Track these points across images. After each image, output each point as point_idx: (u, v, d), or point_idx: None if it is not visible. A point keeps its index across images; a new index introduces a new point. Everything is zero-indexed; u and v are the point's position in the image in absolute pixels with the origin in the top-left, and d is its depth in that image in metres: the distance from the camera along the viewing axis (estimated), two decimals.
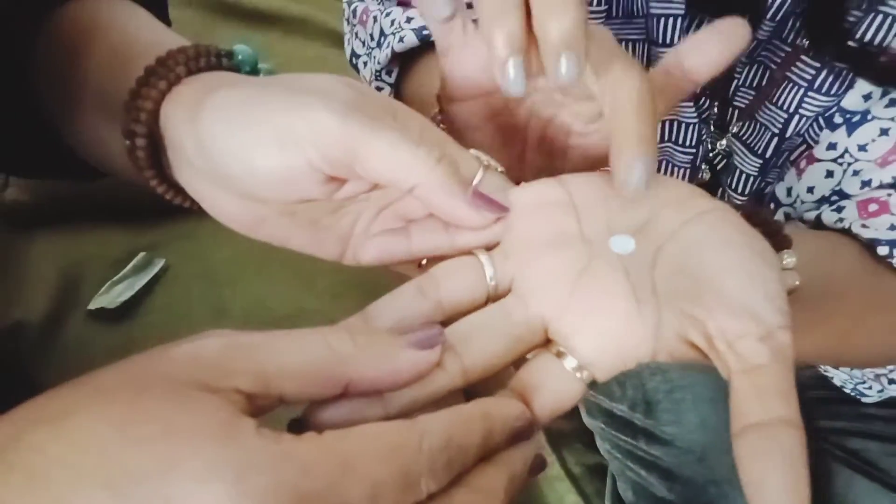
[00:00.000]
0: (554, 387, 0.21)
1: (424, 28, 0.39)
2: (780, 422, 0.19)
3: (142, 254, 0.53)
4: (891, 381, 0.44)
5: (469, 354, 0.21)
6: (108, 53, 0.29)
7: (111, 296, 0.50)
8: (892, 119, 0.36)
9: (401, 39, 0.39)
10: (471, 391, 0.22)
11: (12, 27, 0.31)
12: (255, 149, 0.23)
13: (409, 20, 0.40)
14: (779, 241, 0.25)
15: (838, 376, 0.47)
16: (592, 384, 0.22)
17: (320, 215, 0.25)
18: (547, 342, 0.22)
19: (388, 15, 0.42)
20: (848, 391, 0.47)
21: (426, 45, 0.39)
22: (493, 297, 0.23)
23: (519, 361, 0.23)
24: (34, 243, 0.52)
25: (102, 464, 0.15)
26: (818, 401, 0.51)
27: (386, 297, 0.23)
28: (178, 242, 0.54)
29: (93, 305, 0.50)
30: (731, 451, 0.20)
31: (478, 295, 0.23)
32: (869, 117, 0.36)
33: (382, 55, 0.41)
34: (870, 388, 0.46)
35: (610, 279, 0.22)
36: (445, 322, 0.22)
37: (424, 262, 0.26)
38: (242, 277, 0.50)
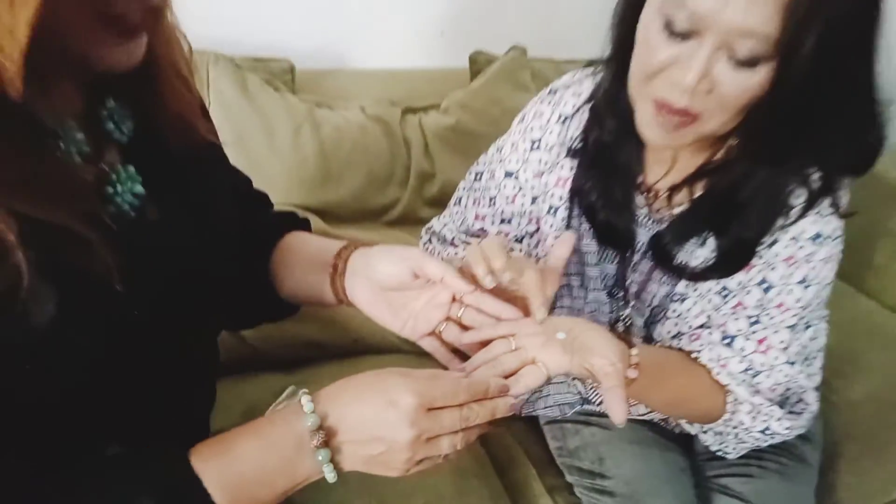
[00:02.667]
0: (534, 375, 0.55)
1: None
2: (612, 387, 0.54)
3: (291, 387, 0.88)
4: (740, 442, 0.77)
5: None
6: (315, 248, 0.66)
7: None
8: (699, 296, 0.72)
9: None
10: None
11: (266, 245, 0.68)
12: (391, 263, 0.58)
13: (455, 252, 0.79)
14: (629, 343, 0.60)
15: (713, 444, 0.80)
16: (548, 379, 0.56)
17: (397, 303, 0.60)
18: (533, 362, 0.57)
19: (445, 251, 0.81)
20: (714, 451, 0.80)
21: None
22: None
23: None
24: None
25: (365, 388, 0.49)
26: (707, 458, 0.84)
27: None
28: (313, 384, 0.89)
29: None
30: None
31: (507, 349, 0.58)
32: (689, 295, 0.73)
33: None
34: (733, 449, 0.79)
35: (556, 345, 0.57)
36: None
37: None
38: None
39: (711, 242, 0.69)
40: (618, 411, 0.53)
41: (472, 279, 0.59)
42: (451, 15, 1.35)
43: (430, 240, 0.90)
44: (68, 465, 0.47)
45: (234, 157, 0.87)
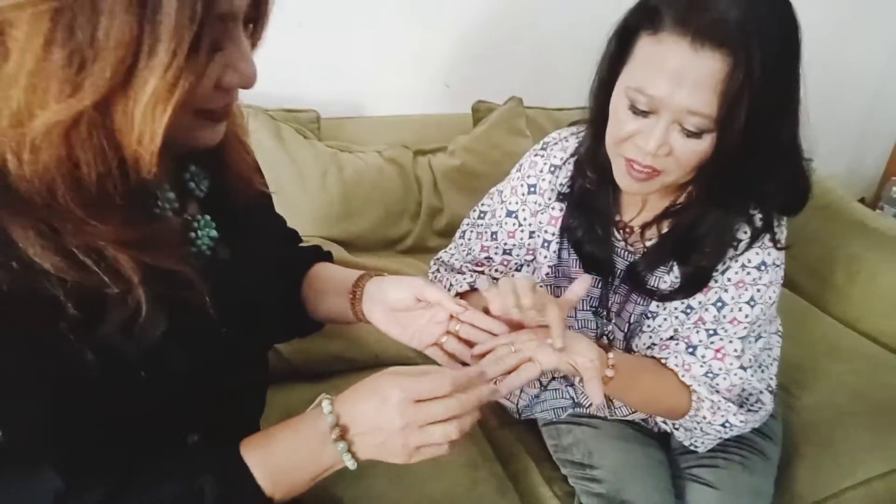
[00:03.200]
0: (530, 369, 0.69)
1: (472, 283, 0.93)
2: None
3: (322, 395, 1.02)
4: (705, 435, 0.91)
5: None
6: (339, 277, 0.80)
7: None
8: (668, 313, 0.86)
9: (452, 286, 0.93)
10: None
11: (298, 274, 0.83)
12: (399, 290, 0.72)
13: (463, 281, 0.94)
14: (606, 349, 0.75)
15: (685, 439, 0.94)
16: (541, 373, 0.70)
17: (405, 321, 0.74)
18: (530, 360, 0.70)
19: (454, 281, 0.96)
20: (686, 445, 0.94)
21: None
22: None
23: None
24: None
25: (366, 389, 0.58)
26: (681, 452, 0.98)
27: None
28: (338, 392, 1.03)
29: None
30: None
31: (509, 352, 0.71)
32: (660, 313, 0.87)
33: (452, 292, 0.94)
34: (701, 443, 0.93)
35: (548, 348, 0.70)
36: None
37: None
38: None
39: (676, 270, 0.84)
40: (595, 396, 0.68)
41: (486, 308, 0.72)
42: (455, 68, 1.52)
43: (438, 269, 1.04)
44: (156, 449, 0.58)
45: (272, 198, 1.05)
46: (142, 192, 0.52)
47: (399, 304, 0.73)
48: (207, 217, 0.62)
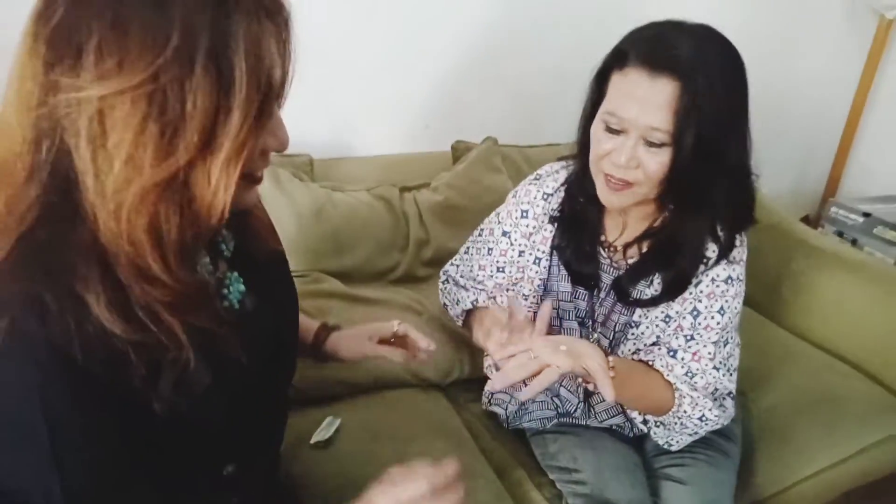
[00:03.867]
0: (551, 373, 0.81)
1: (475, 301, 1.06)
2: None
3: (329, 417, 1.11)
4: (683, 428, 1.01)
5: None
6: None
7: (319, 436, 1.08)
8: (650, 322, 0.98)
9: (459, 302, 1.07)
10: None
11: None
12: (348, 351, 0.91)
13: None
14: (606, 353, 0.87)
15: (661, 438, 1.05)
16: (560, 376, 0.82)
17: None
18: (548, 365, 0.81)
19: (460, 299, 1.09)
20: (661, 444, 1.06)
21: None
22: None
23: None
24: None
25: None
26: (655, 454, 1.10)
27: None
28: (345, 414, 1.13)
29: (312, 440, 1.07)
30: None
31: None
32: (643, 322, 0.99)
33: (459, 308, 1.08)
34: (677, 442, 1.05)
35: (561, 353, 0.82)
36: None
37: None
38: (382, 430, 1.10)
39: (656, 283, 0.97)
40: (608, 392, 0.80)
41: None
42: (434, 110, 1.65)
43: (447, 280, 1.18)
44: (195, 479, 0.65)
45: None
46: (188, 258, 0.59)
47: (352, 357, 0.93)
48: (235, 274, 0.69)
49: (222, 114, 0.50)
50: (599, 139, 0.86)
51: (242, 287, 0.70)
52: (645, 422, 1.04)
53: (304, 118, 1.50)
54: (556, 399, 1.10)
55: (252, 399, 0.68)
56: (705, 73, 0.79)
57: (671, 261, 0.94)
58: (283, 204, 1.32)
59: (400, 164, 1.57)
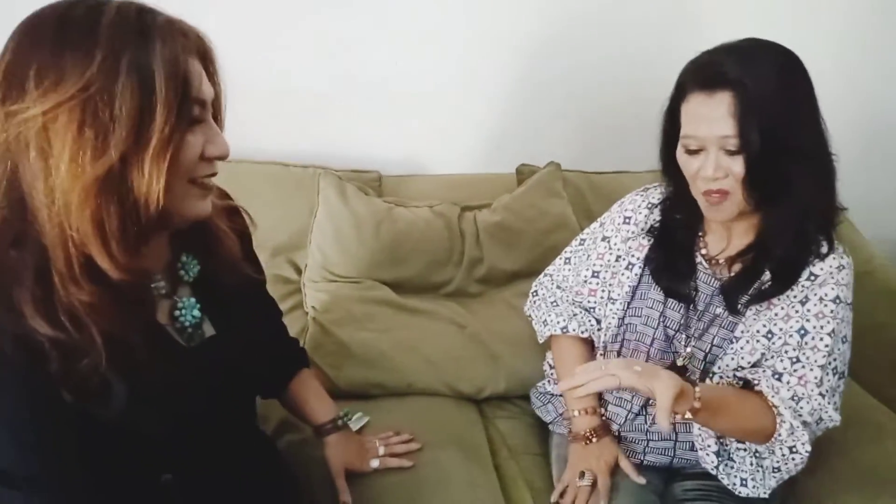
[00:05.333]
0: (610, 379, 0.86)
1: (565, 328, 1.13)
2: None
3: (359, 413, 1.21)
4: (771, 455, 0.97)
5: None
6: (310, 400, 1.05)
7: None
8: (750, 336, 0.97)
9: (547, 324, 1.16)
10: None
11: (284, 380, 1.05)
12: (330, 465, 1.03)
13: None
14: (693, 384, 0.88)
15: (726, 476, 1.01)
16: (618, 387, 0.85)
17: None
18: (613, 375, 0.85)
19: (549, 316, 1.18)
20: (709, 468, 1.02)
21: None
22: None
23: None
24: None
25: None
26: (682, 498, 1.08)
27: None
28: (375, 413, 1.22)
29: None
30: None
31: None
32: (742, 336, 0.98)
33: (547, 332, 1.16)
34: (752, 485, 1.00)
35: (632, 370, 0.85)
36: None
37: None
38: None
39: (766, 284, 0.96)
40: (662, 422, 0.81)
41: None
42: (506, 133, 1.71)
43: (536, 292, 1.26)
44: (132, 485, 0.70)
45: (334, 246, 1.34)
46: (140, 274, 0.67)
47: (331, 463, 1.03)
48: (192, 300, 0.77)
49: (147, 114, 0.59)
50: (685, 163, 0.95)
51: (198, 313, 0.76)
52: (718, 454, 1.01)
53: (375, 137, 1.65)
54: (603, 410, 1.12)
55: (188, 417, 0.74)
56: (753, 78, 0.86)
57: (774, 253, 0.96)
58: (345, 215, 1.45)
59: (466, 183, 1.65)
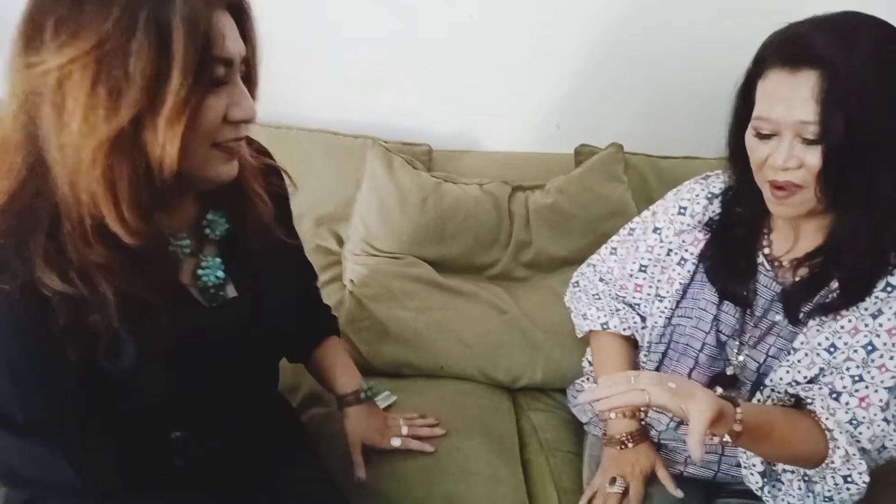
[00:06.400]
0: (639, 395, 0.75)
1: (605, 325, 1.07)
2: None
3: (386, 392, 1.18)
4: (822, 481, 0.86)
5: None
6: (336, 368, 1.03)
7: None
8: (810, 349, 0.86)
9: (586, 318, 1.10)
10: None
11: (310, 345, 1.02)
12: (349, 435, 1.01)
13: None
14: (734, 403, 0.79)
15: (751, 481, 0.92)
16: (647, 404, 0.75)
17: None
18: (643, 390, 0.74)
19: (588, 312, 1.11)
20: (754, 489, 0.92)
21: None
22: None
23: None
24: None
25: None
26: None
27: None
28: (402, 394, 1.19)
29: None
30: None
31: None
32: (801, 348, 0.87)
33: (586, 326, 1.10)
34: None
35: (665, 387, 0.74)
36: None
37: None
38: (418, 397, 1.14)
39: (833, 294, 0.85)
40: (695, 449, 0.71)
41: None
42: (567, 111, 1.61)
43: (577, 282, 1.18)
44: (143, 439, 0.71)
45: (377, 219, 1.33)
46: (157, 236, 0.65)
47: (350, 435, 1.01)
48: (218, 260, 0.75)
49: (162, 74, 0.57)
50: (754, 148, 0.84)
51: (221, 273, 0.74)
52: (764, 474, 0.91)
53: (430, 110, 1.59)
54: (642, 414, 1.04)
55: (201, 378, 0.73)
56: (845, 56, 0.75)
57: (845, 262, 0.84)
58: (390, 188, 1.41)
59: (521, 162, 1.57)
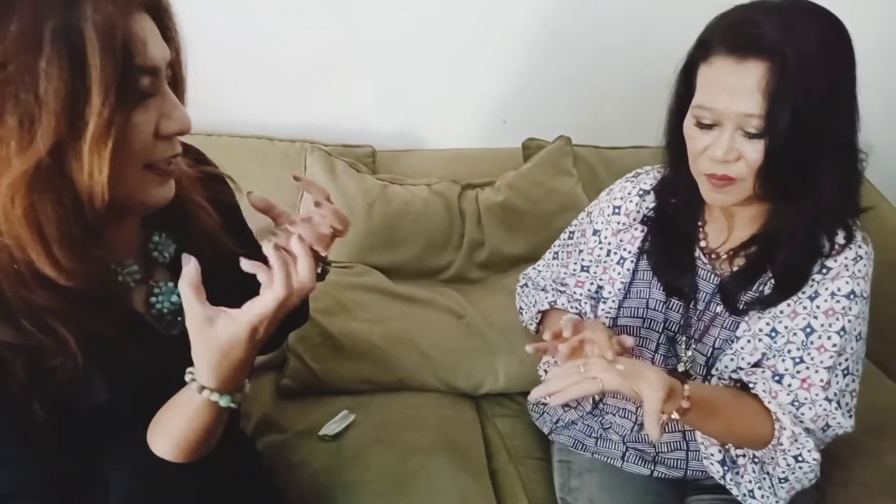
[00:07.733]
0: (591, 384, 0.74)
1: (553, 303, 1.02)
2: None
3: (344, 411, 1.12)
4: (776, 467, 0.87)
5: None
6: None
7: (328, 429, 1.09)
8: (752, 335, 0.86)
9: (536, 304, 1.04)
10: None
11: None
12: None
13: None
14: (682, 381, 0.77)
15: (734, 487, 0.91)
16: (602, 392, 0.75)
17: None
18: (594, 379, 0.74)
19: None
20: (716, 478, 0.92)
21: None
22: None
23: None
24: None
25: None
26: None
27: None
28: (361, 411, 1.13)
29: (321, 432, 1.08)
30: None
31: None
32: (743, 335, 0.87)
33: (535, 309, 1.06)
34: (760, 496, 0.90)
35: (615, 371, 0.74)
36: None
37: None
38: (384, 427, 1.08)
39: (768, 286, 0.85)
40: (651, 429, 0.71)
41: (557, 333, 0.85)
42: (512, 105, 1.57)
43: (525, 284, 1.15)
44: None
45: None
46: (99, 270, 0.60)
47: None
48: (170, 284, 0.68)
49: (80, 94, 0.50)
50: (693, 136, 0.81)
51: (176, 298, 0.68)
52: (723, 462, 0.91)
53: (370, 109, 1.52)
54: (601, 422, 1.01)
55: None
56: (796, 47, 0.72)
57: (780, 257, 0.85)
58: (334, 194, 1.33)
59: (468, 159, 1.52)
